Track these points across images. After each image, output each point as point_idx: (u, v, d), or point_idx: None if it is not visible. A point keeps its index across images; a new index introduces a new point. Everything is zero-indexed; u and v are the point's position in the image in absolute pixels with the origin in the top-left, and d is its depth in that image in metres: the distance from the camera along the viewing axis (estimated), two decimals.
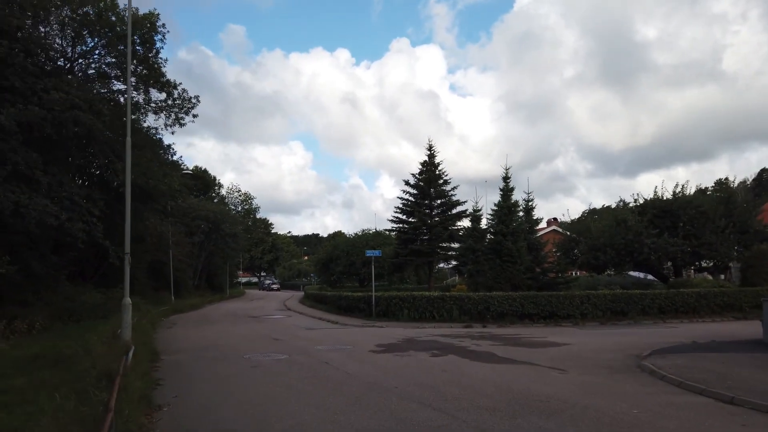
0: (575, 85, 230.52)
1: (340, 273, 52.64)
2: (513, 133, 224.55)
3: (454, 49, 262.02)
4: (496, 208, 24.69)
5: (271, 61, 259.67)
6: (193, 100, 23.09)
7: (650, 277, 39.59)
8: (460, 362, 11.79)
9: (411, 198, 40.15)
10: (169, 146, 28.68)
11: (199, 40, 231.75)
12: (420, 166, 39.99)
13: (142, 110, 23.08)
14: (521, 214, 25.98)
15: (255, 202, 79.61)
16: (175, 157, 30.42)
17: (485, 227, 25.93)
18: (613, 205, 33.99)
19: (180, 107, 23.17)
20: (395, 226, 40.94)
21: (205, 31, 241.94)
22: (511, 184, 24.90)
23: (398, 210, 40.11)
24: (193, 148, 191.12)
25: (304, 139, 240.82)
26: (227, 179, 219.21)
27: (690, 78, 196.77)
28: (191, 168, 64.91)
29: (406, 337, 16.97)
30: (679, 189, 28.97)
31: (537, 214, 27.25)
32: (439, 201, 40.24)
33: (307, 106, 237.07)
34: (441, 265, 52.55)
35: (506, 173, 24.97)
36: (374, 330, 19.90)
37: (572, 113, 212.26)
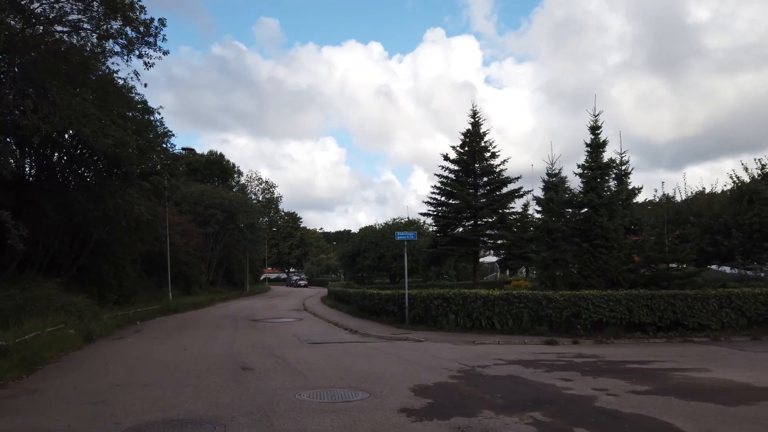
0: (621, 73, 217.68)
1: (368, 267, 45.97)
2: (553, 124, 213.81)
3: (492, 37, 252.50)
4: (581, 170, 17.24)
5: (304, 55, 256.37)
6: (156, 24, 16.57)
7: (750, 272, 31.54)
8: None
9: (451, 175, 32.84)
10: (144, 104, 22.67)
11: (233, 33, 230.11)
12: (462, 137, 32.68)
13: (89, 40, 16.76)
14: (612, 182, 18.62)
15: (277, 191, 73.73)
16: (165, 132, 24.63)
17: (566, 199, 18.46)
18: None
19: (141, 38, 16.81)
20: (432, 210, 33.76)
21: (238, 24, 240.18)
22: (601, 137, 17.42)
23: (436, 190, 32.89)
24: (227, 144, 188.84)
25: (338, 135, 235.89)
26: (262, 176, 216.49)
27: (745, 62, 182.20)
28: (205, 153, 59.98)
29: (463, 367, 10.10)
30: None
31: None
32: (485, 178, 32.86)
33: (341, 101, 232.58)
34: (480, 259, 45.11)
35: (595, 121, 17.50)
36: (409, 347, 13.11)
37: (617, 103, 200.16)
